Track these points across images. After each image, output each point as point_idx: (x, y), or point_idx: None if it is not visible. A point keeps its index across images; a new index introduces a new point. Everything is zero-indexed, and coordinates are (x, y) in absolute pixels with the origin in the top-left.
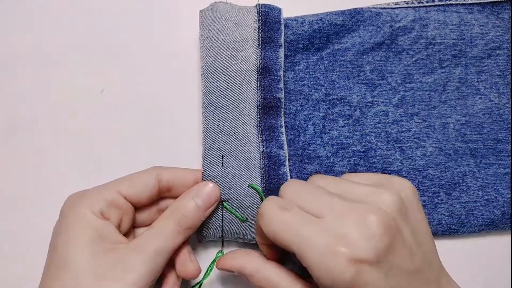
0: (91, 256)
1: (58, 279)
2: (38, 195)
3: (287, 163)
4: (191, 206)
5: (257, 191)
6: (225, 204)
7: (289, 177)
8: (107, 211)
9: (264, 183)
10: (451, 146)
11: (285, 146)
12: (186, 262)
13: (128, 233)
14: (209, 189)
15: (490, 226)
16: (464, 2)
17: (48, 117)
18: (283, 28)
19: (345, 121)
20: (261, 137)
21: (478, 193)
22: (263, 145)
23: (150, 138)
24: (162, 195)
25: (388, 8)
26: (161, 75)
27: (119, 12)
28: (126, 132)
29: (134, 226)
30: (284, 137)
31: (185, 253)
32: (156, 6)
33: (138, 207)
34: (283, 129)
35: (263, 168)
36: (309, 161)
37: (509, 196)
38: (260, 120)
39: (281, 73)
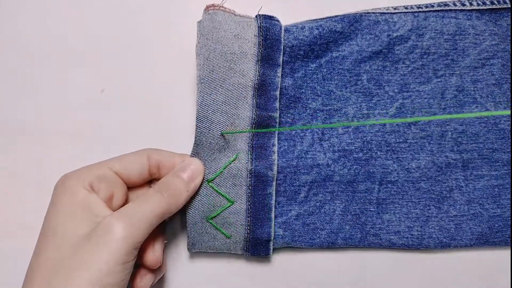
0: (75, 225)
1: (43, 248)
2: (38, 195)
3: (274, 183)
4: (174, 178)
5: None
6: (211, 184)
7: (273, 197)
8: (97, 184)
9: (249, 201)
10: (444, 158)
11: (275, 167)
12: (149, 252)
13: None
14: (194, 165)
15: (481, 241)
16: (463, 8)
17: (48, 117)
18: (282, 47)
19: (344, 129)
20: (250, 155)
21: (464, 207)
22: (251, 164)
23: (150, 138)
24: (153, 176)
25: (387, 13)
26: (161, 75)
27: (119, 13)
28: (126, 132)
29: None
30: (275, 156)
31: (151, 243)
32: (156, 7)
33: (130, 186)
34: (275, 148)
35: (249, 186)
36: (305, 171)
37: (494, 211)
38: (252, 138)
39: (277, 92)
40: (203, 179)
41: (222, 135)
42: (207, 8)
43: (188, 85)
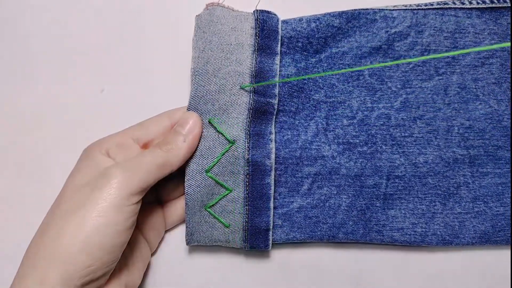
0: (80, 175)
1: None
2: (39, 194)
3: (272, 173)
4: (172, 134)
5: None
6: (209, 174)
7: (272, 187)
8: (114, 151)
9: (246, 190)
10: (451, 154)
11: (273, 156)
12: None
13: None
14: (191, 118)
15: (483, 239)
16: (463, 6)
17: (49, 117)
18: (280, 38)
19: (349, 121)
20: (248, 143)
21: (469, 205)
22: (249, 152)
23: None
24: None
25: (386, 10)
26: (161, 75)
27: (119, 13)
28: None
29: None
30: (273, 145)
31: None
32: (157, 7)
33: None
34: (272, 136)
35: (247, 175)
36: (309, 162)
37: (497, 210)
38: (249, 125)
39: (276, 79)
40: (202, 168)
41: (210, 123)
42: (207, 7)
43: (188, 85)
